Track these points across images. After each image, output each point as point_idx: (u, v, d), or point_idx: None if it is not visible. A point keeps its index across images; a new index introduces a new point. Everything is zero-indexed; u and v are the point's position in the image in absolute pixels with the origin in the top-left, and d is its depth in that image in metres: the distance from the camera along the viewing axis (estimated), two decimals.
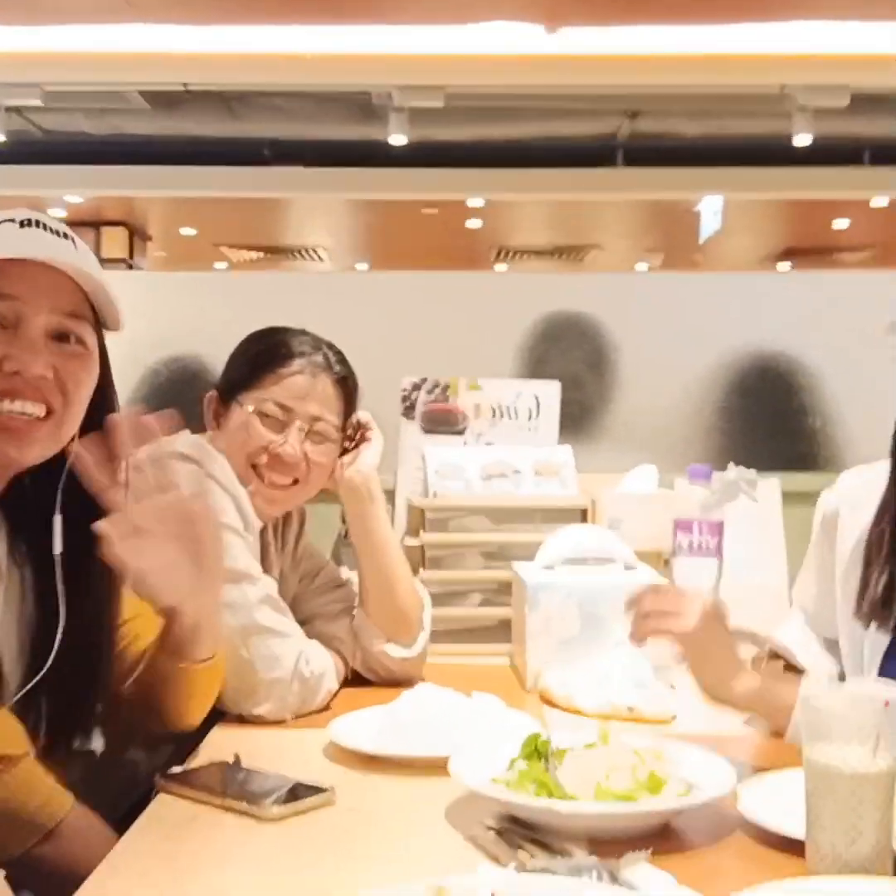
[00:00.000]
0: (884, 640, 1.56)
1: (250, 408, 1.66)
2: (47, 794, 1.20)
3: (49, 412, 1.23)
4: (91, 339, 1.28)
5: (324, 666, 1.61)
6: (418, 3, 3.84)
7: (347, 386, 1.75)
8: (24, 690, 1.25)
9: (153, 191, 5.09)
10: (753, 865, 1.06)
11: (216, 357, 1.77)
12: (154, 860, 1.10)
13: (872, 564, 1.56)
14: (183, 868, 1.08)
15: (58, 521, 1.27)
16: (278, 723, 1.54)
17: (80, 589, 1.29)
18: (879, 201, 6.00)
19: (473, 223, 6.38)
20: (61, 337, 1.25)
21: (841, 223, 6.63)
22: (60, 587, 1.27)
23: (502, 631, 1.95)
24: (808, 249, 6.59)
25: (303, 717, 1.56)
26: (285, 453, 1.65)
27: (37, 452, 1.25)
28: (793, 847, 1.07)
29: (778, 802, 1.13)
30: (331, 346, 1.75)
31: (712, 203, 5.55)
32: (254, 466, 1.66)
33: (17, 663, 1.27)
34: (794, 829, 1.06)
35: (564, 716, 1.59)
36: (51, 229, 1.27)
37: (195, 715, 1.38)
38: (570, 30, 4.01)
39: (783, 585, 1.98)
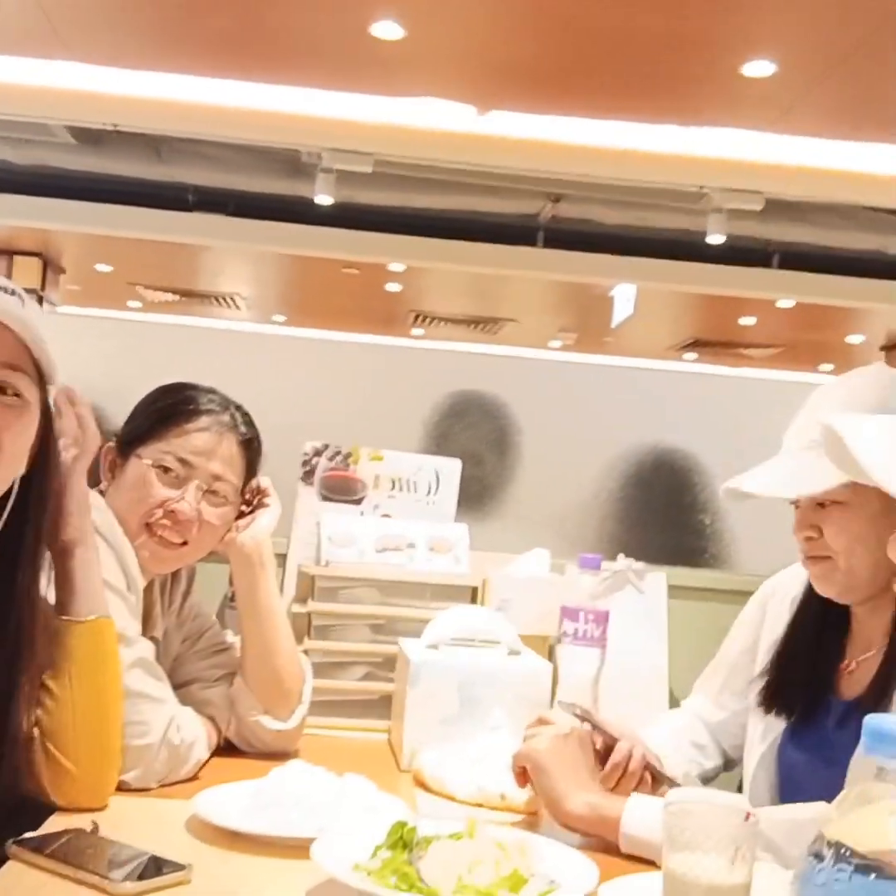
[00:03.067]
0: (773, 730, 1.60)
1: (149, 461, 1.64)
2: None
3: None
4: (29, 393, 1.30)
5: (195, 735, 1.58)
6: (355, 71, 3.90)
7: (252, 448, 1.74)
8: None
9: (71, 225, 5.02)
10: None
11: (116, 407, 1.74)
12: None
13: (776, 660, 1.62)
14: None
15: None
16: (143, 790, 1.50)
17: (5, 623, 1.29)
18: (785, 303, 6.22)
19: (392, 287, 6.43)
20: None
21: (748, 320, 6.84)
22: None
23: (383, 706, 1.94)
24: (715, 342, 6.77)
25: (169, 785, 1.53)
26: (181, 511, 1.63)
27: None
28: None
29: None
30: (239, 407, 1.75)
31: (626, 290, 5.69)
32: (146, 523, 1.64)
33: None
34: None
35: (436, 800, 1.58)
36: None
37: (79, 692, 1.37)
38: (500, 113, 4.11)
39: (664, 674, 2.01)
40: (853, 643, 1.60)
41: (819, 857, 0.60)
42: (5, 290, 1.29)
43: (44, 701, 1.36)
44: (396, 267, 5.99)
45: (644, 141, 4.30)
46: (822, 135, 4.18)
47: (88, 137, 4.66)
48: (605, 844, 1.37)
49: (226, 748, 1.70)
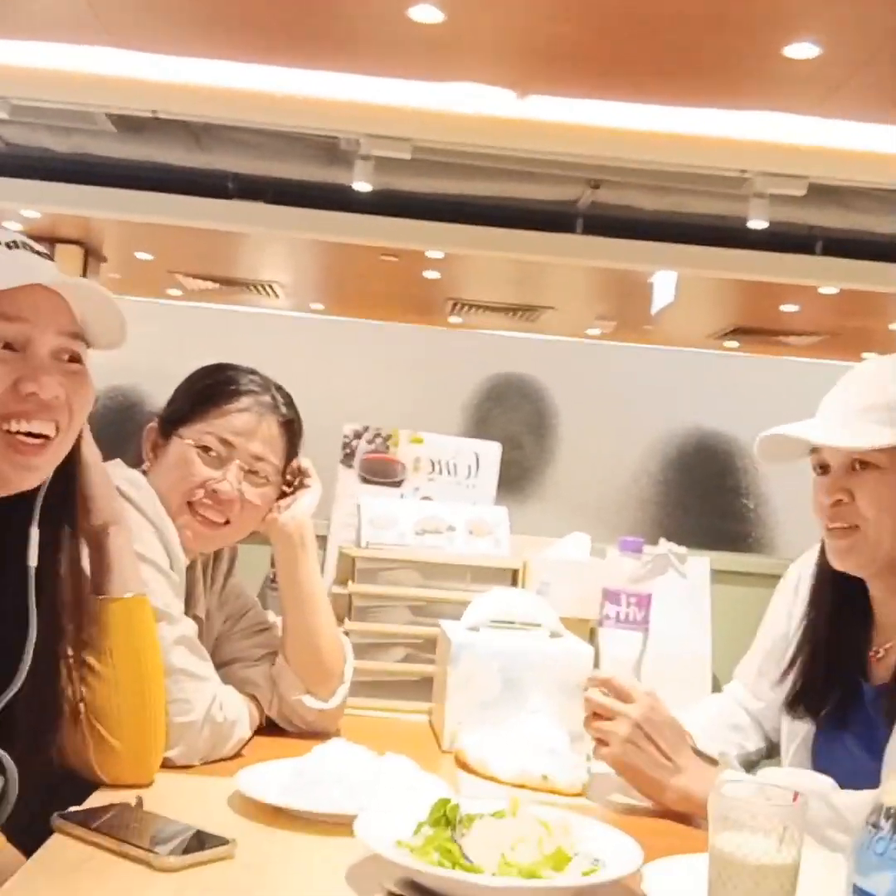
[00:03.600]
0: (800, 731, 1.58)
1: (191, 441, 1.65)
2: None
3: (56, 431, 1.26)
4: (86, 359, 1.32)
5: (237, 713, 1.58)
6: (393, 56, 3.89)
7: (292, 429, 1.74)
8: None
9: (112, 213, 5.05)
10: None
11: (157, 389, 1.75)
12: None
13: (796, 654, 1.60)
14: None
15: (35, 533, 1.29)
16: (186, 767, 1.51)
17: (49, 603, 1.30)
18: (828, 290, 6.15)
19: (431, 274, 6.41)
20: (62, 357, 1.28)
21: (790, 307, 6.76)
22: (33, 601, 1.27)
23: (423, 688, 1.94)
24: (756, 330, 6.70)
25: (212, 763, 1.54)
26: (222, 491, 1.64)
27: (36, 478, 1.28)
28: None
29: (682, 887, 1.13)
30: (279, 388, 1.75)
31: (666, 277, 5.65)
32: (189, 502, 1.64)
33: None
34: None
35: (477, 780, 1.58)
36: (35, 250, 1.31)
37: (120, 670, 1.38)
38: (539, 98, 4.09)
39: (707, 660, 1.99)
40: (878, 630, 1.58)
41: (877, 826, 0.59)
42: (41, 254, 1.30)
43: (87, 679, 1.37)
44: (434, 254, 5.98)
45: (685, 125, 4.25)
46: (867, 118, 4.12)
47: (129, 125, 4.69)
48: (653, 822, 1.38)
49: (268, 727, 1.71)
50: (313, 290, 6.78)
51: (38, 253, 1.30)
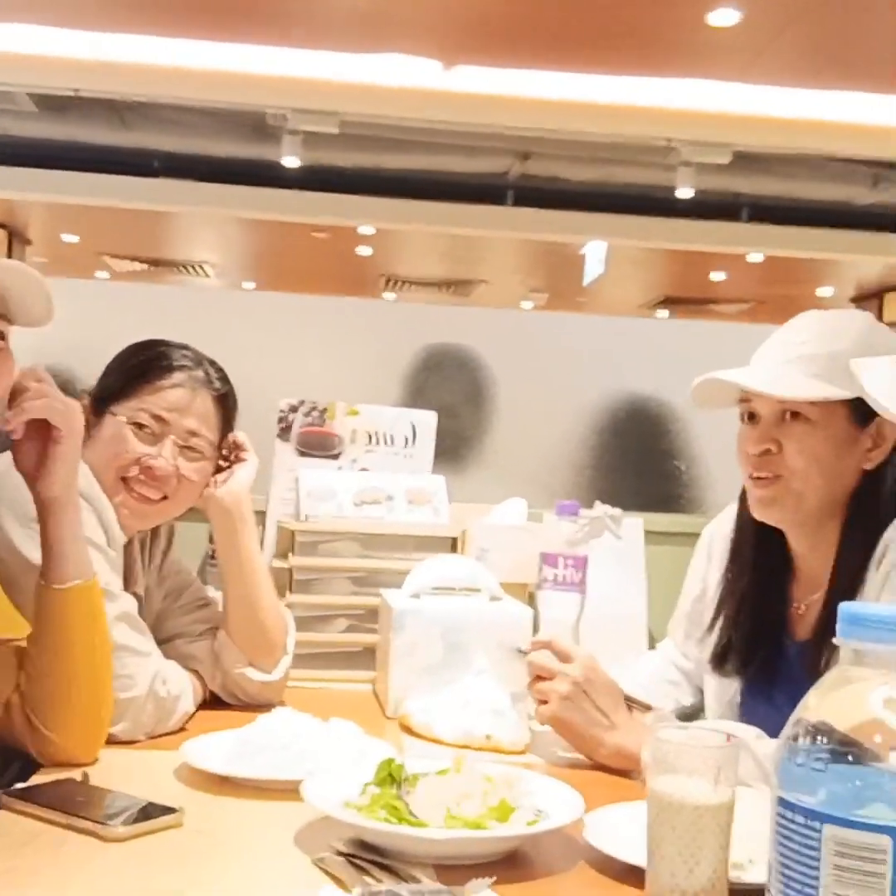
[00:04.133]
0: (726, 688, 1.62)
1: (124, 418, 1.64)
2: None
3: None
4: (9, 336, 1.31)
5: (181, 687, 1.59)
6: (317, 28, 3.86)
7: (227, 403, 1.74)
8: None
9: (36, 194, 4.95)
10: (595, 892, 1.09)
11: (89, 369, 1.74)
12: None
13: (718, 611, 1.63)
14: (21, 886, 1.05)
15: None
16: (131, 743, 1.51)
17: None
18: (755, 257, 6.23)
19: (363, 250, 6.39)
20: None
21: (718, 275, 6.85)
22: None
23: (367, 658, 1.96)
24: (686, 299, 6.78)
25: (157, 737, 1.54)
26: (157, 466, 1.63)
27: None
28: (634, 876, 1.09)
29: (623, 833, 1.16)
30: (212, 363, 1.74)
31: (597, 248, 5.68)
32: (123, 479, 1.64)
33: None
34: (637, 858, 1.09)
35: (423, 744, 1.60)
36: None
37: (75, 658, 1.36)
38: (466, 68, 4.08)
39: (643, 618, 2.03)
40: (799, 585, 1.60)
41: (796, 739, 0.62)
42: None
43: (26, 669, 1.35)
44: (366, 230, 5.95)
45: (611, 94, 4.28)
46: (789, 84, 4.18)
47: (51, 105, 4.59)
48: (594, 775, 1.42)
49: (212, 702, 1.71)
50: (244, 269, 6.71)
51: None
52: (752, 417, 1.56)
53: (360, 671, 1.94)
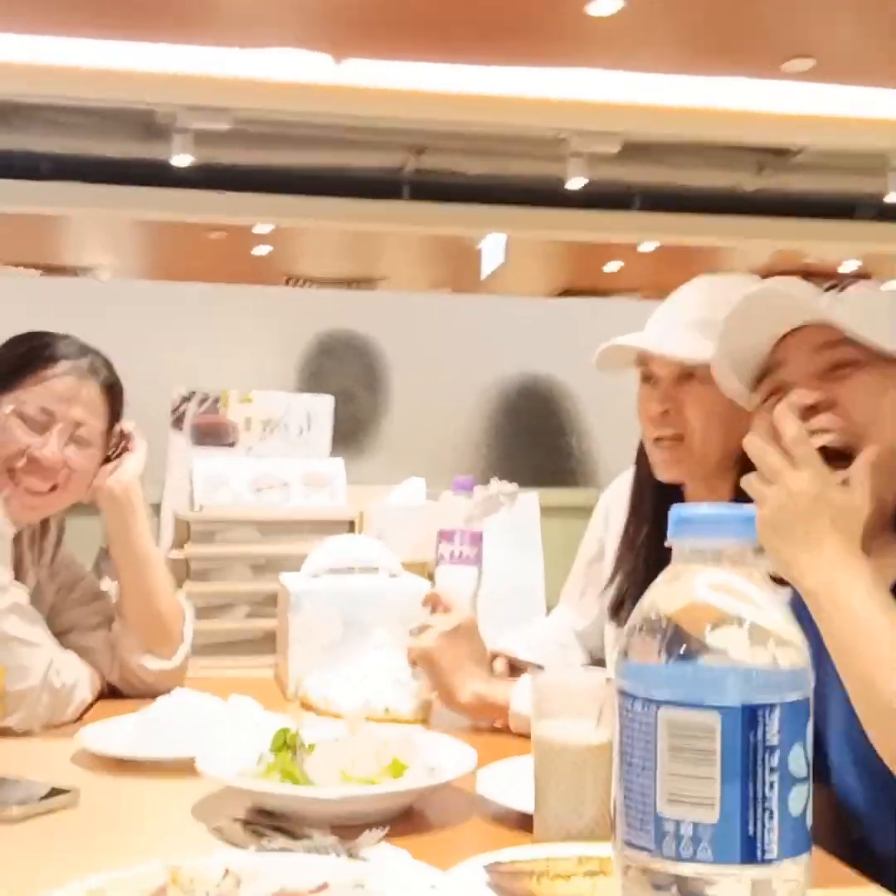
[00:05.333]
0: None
1: (9, 409, 1.62)
2: None
3: None
4: None
5: (76, 676, 1.57)
6: (206, 24, 3.84)
7: (114, 393, 1.73)
8: None
9: None
10: (488, 840, 1.11)
11: None
12: None
13: (617, 565, 1.68)
14: None
15: None
16: (27, 733, 1.49)
17: None
18: (648, 246, 6.35)
19: (261, 250, 6.36)
20: None
21: (613, 266, 6.99)
22: None
23: (268, 643, 1.95)
24: (584, 290, 6.91)
25: (54, 728, 1.52)
26: (44, 457, 1.61)
27: None
28: (527, 824, 1.12)
29: (514, 784, 1.18)
30: (97, 353, 1.73)
31: (495, 240, 5.75)
32: (10, 470, 1.61)
33: None
34: (528, 806, 1.12)
35: (323, 720, 1.61)
36: None
37: None
38: (356, 62, 4.10)
39: (540, 591, 2.07)
40: None
41: (630, 633, 0.65)
42: None
43: None
44: (263, 228, 5.94)
45: (501, 86, 4.34)
46: (672, 71, 4.28)
47: None
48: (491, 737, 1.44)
49: (111, 694, 1.70)
50: (139, 272, 6.63)
51: None
52: (650, 379, 1.60)
53: (262, 657, 1.94)
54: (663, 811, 0.57)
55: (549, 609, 2.10)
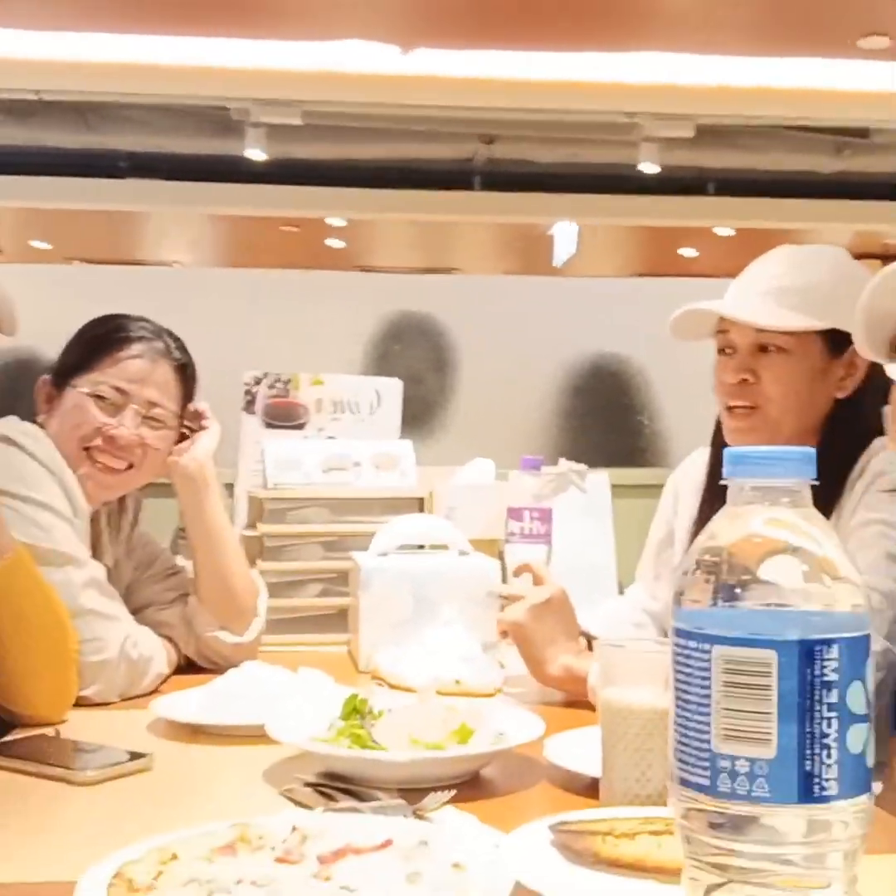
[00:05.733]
0: None
1: (85, 390, 1.66)
2: None
3: None
4: None
5: (152, 649, 1.61)
6: (275, 18, 3.88)
7: (186, 373, 1.76)
8: None
9: (6, 200, 4.96)
10: (554, 806, 1.10)
11: (50, 350, 1.76)
12: None
13: (691, 545, 1.67)
14: None
15: None
16: (104, 704, 1.53)
17: None
18: (724, 231, 6.25)
19: (335, 243, 6.41)
20: None
21: (688, 251, 6.89)
22: None
23: (340, 620, 1.97)
24: (659, 276, 6.83)
25: (130, 700, 1.56)
26: (120, 436, 1.65)
27: None
28: (594, 790, 1.12)
29: (583, 752, 1.18)
30: (171, 334, 1.76)
31: (567, 228, 5.71)
32: (86, 450, 1.65)
33: None
34: (595, 769, 1.12)
35: (393, 693, 1.62)
36: None
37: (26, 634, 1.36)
38: (424, 51, 4.11)
39: (611, 570, 2.06)
40: None
41: (686, 572, 0.64)
42: None
43: None
44: (336, 222, 5.97)
45: (570, 72, 4.31)
46: (748, 53, 4.21)
47: (15, 110, 4.60)
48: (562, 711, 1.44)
49: (187, 668, 1.73)
50: (216, 267, 6.72)
51: None
52: (728, 349, 1.59)
53: (334, 634, 1.96)
54: (719, 748, 0.57)
55: (620, 588, 2.09)
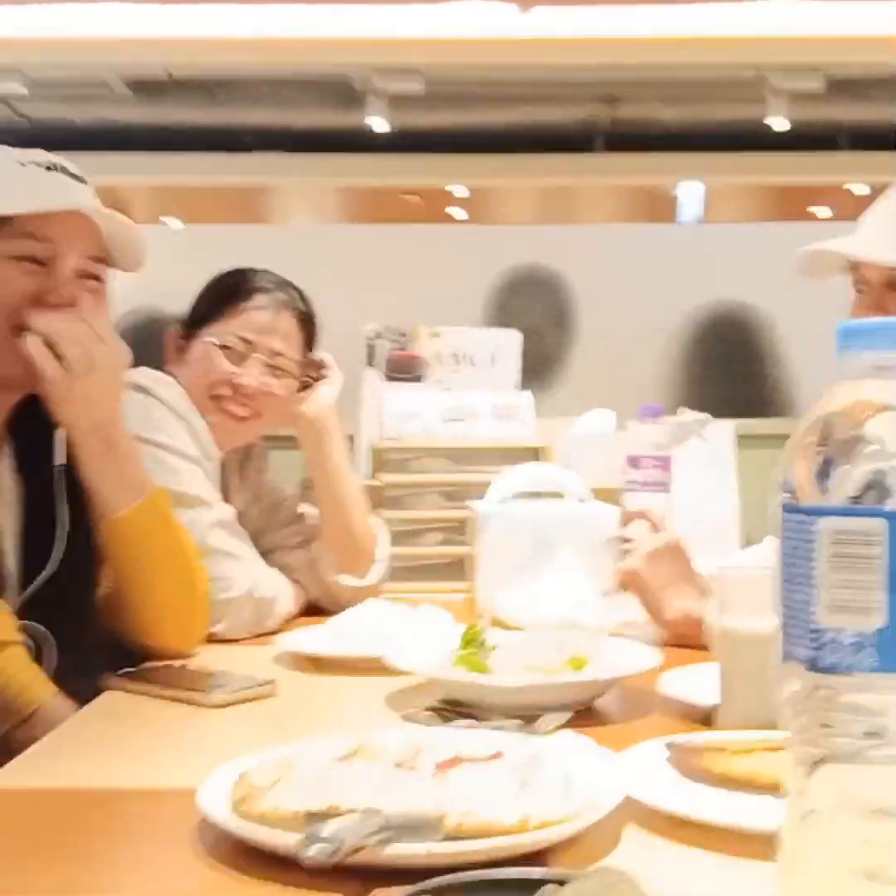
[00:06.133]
0: None
1: (212, 340, 1.71)
2: (28, 681, 1.27)
3: None
4: (108, 280, 1.39)
5: (278, 588, 1.65)
6: None
7: (309, 324, 1.80)
8: (28, 592, 1.33)
9: (137, 177, 5.13)
10: (668, 732, 1.10)
11: (173, 306, 1.82)
12: (99, 735, 1.14)
13: None
14: (125, 741, 1.13)
15: (60, 435, 1.36)
16: (232, 641, 1.58)
17: (79, 501, 1.36)
18: (860, 189, 6.04)
19: (456, 212, 6.44)
20: (83, 276, 1.35)
21: (821, 210, 6.69)
22: (62, 496, 1.35)
23: (459, 569, 2.00)
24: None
25: (258, 637, 1.61)
26: (245, 384, 1.70)
27: None
28: (709, 723, 1.11)
29: (697, 683, 1.18)
30: (293, 286, 1.81)
31: (692, 189, 5.61)
32: (213, 398, 1.71)
33: (19, 567, 1.36)
34: (711, 700, 1.11)
35: (510, 633, 1.63)
36: (71, 174, 1.38)
37: (159, 574, 1.41)
38: (543, 9, 4.07)
39: (734, 522, 2.03)
40: None
41: (792, 448, 0.64)
42: (76, 177, 1.39)
43: (110, 580, 1.42)
44: (458, 190, 5.99)
45: (692, 26, 4.21)
46: None
47: (145, 88, 4.75)
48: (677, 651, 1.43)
49: (310, 611, 1.77)
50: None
51: (74, 176, 1.38)
52: (864, 284, 1.53)
53: (454, 582, 1.98)
54: (824, 621, 0.57)
55: (744, 541, 2.06)
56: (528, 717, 1.12)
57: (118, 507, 1.37)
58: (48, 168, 1.37)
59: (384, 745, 0.98)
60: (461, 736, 0.99)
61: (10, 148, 1.40)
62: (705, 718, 1.12)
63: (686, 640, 1.47)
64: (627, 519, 1.61)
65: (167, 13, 3.99)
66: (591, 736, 1.07)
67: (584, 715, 1.16)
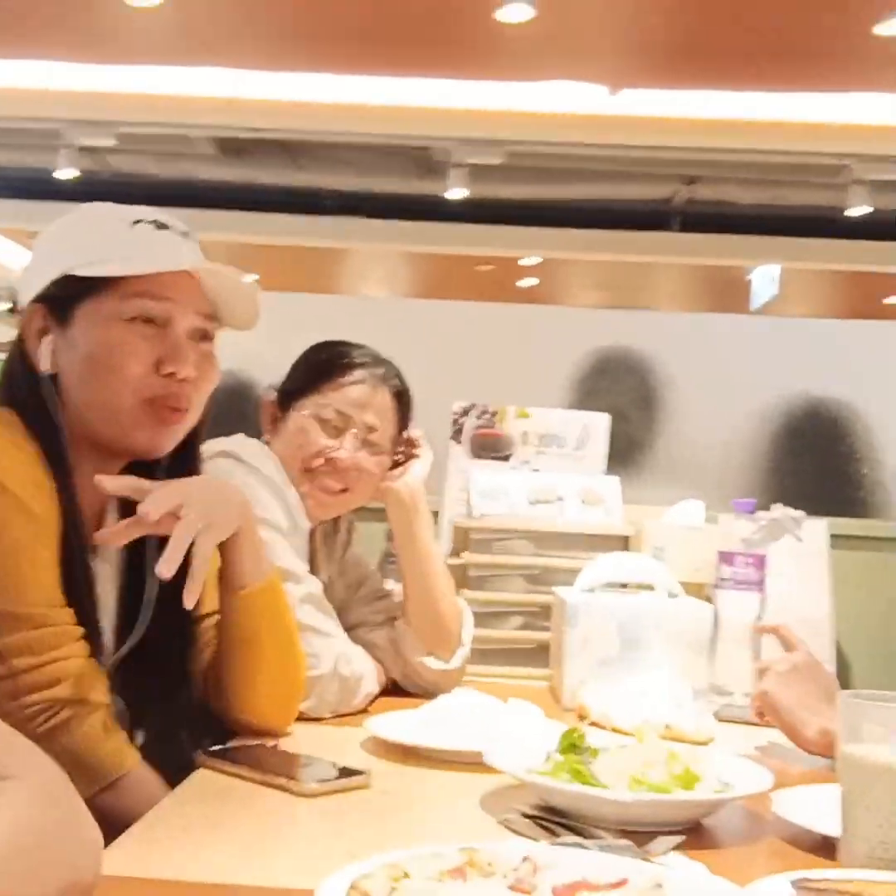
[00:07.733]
0: None
1: (308, 412, 1.71)
2: (117, 745, 1.26)
3: (188, 406, 1.33)
4: (216, 339, 1.37)
5: (364, 668, 1.63)
6: (484, 59, 3.95)
7: (403, 400, 1.79)
8: (118, 655, 1.32)
9: (215, 234, 5.20)
10: (786, 862, 1.05)
11: (260, 373, 1.82)
12: (194, 820, 1.12)
13: None
14: (221, 828, 1.10)
15: None
16: (317, 720, 1.56)
17: (177, 573, 1.33)
18: None
19: (527, 282, 6.45)
20: (196, 337, 1.34)
21: (894, 300, 6.62)
22: (151, 567, 1.31)
23: (541, 655, 1.96)
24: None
25: (342, 716, 1.58)
26: (340, 458, 1.69)
27: (169, 443, 1.35)
28: (826, 849, 1.06)
29: (813, 807, 1.13)
30: (390, 362, 1.80)
31: (767, 272, 5.58)
32: (307, 470, 1.70)
33: (113, 631, 1.35)
34: (829, 828, 1.06)
35: (601, 733, 1.59)
36: (179, 231, 1.36)
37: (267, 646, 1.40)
38: (631, 91, 4.11)
39: (827, 624, 1.97)
40: None
41: None
42: (184, 234, 1.36)
43: (216, 654, 1.41)
44: (530, 261, 6.01)
45: (778, 112, 4.22)
46: None
47: (230, 148, 4.84)
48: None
49: (392, 691, 1.74)
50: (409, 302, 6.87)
51: (182, 234, 1.35)
52: None
53: (534, 668, 1.95)
54: None
55: (838, 646, 2.00)
56: (633, 833, 1.08)
57: (246, 583, 1.37)
58: (158, 227, 1.34)
59: (495, 859, 0.95)
60: (577, 856, 0.95)
61: (119, 206, 1.39)
62: (822, 848, 1.07)
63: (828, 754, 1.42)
64: (757, 630, 1.57)
65: (257, 78, 4.08)
66: (703, 860, 1.03)
67: (692, 833, 1.11)
